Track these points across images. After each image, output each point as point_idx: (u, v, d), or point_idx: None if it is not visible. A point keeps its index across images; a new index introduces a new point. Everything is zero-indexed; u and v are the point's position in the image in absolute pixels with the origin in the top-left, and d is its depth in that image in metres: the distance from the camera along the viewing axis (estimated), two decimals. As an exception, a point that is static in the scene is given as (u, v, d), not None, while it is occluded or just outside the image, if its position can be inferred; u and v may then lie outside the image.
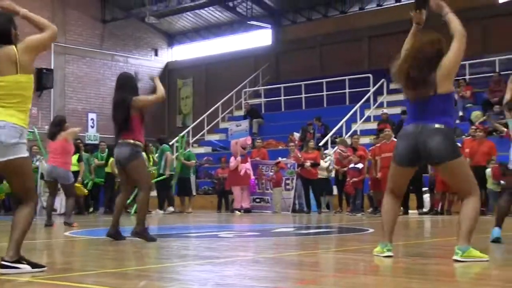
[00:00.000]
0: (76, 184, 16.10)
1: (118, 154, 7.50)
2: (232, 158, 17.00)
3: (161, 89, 7.76)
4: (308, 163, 16.02)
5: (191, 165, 17.74)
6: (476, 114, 17.88)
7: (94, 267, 5.32)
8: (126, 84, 7.68)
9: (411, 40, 5.52)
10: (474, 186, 5.30)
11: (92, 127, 26.67)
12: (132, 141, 7.39)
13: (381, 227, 5.48)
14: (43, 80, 24.94)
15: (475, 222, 5.22)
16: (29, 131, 21.14)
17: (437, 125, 5.18)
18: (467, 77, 20.24)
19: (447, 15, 5.38)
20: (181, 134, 19.85)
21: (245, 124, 18.65)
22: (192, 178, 17.66)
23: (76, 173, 16.07)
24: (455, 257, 5.09)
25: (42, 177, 15.70)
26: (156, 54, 30.07)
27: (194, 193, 17.80)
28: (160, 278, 4.42)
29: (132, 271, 4.88)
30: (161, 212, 16.72)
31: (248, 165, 16.59)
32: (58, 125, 11.07)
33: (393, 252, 5.35)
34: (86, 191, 16.19)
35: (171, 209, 16.97)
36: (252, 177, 16.52)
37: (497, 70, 19.22)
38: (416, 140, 5.23)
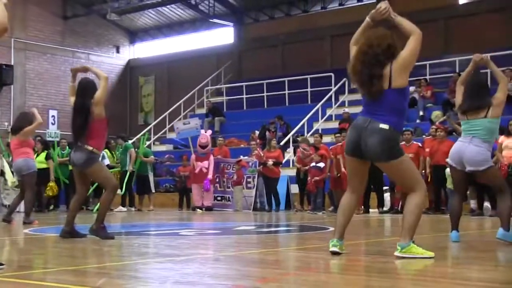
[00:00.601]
0: (50, 184, 15.99)
1: (74, 158, 7.48)
2: (192, 156, 16.97)
3: (100, 71, 7.80)
4: (270, 162, 16.05)
5: (150, 162, 17.63)
6: (436, 114, 18.11)
7: (54, 264, 5.27)
8: (87, 90, 7.62)
9: (360, 36, 5.58)
10: (418, 183, 5.37)
11: (53, 124, 26.34)
12: (90, 147, 7.35)
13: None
14: (3, 76, 24.50)
15: (417, 218, 5.31)
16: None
17: (382, 125, 5.24)
18: (428, 77, 20.49)
19: (396, 18, 5.45)
20: (144, 132, 19.78)
21: (194, 121, 18.23)
22: (151, 175, 17.54)
23: (45, 171, 15.94)
24: (395, 253, 5.20)
25: (1, 174, 15.50)
26: (117, 51, 29.84)
27: (153, 190, 17.68)
28: (120, 276, 4.39)
29: (91, 269, 4.84)
30: (125, 209, 16.63)
31: (205, 163, 16.50)
32: (22, 121, 11.02)
33: (340, 248, 5.35)
34: (56, 190, 16.06)
35: (131, 208, 16.85)
36: (209, 175, 16.42)
37: (457, 70, 19.49)
38: (360, 133, 5.32)
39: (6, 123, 24.39)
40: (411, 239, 5.23)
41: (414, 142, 14.57)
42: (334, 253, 5.30)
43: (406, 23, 5.44)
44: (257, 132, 19.97)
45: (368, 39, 5.40)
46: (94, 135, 7.42)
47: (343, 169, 14.17)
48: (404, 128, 11.74)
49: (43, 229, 9.46)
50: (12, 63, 25.18)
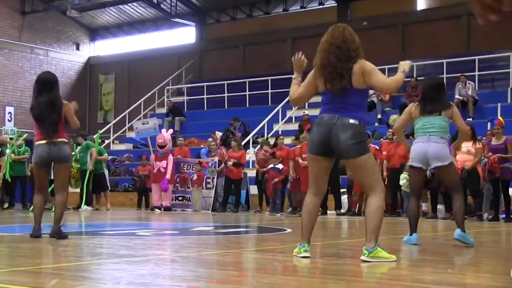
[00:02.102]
0: None
1: (58, 153, 7.30)
2: (151, 156, 16.86)
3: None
4: (230, 162, 16.01)
5: (105, 159, 17.44)
6: (394, 118, 18.29)
7: (5, 265, 5.15)
8: (56, 84, 7.53)
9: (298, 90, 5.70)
10: (379, 183, 5.37)
11: (10, 120, 25.89)
12: (66, 141, 7.32)
13: (301, 227, 5.47)
14: (-42, 71, 24.10)
15: (380, 221, 5.30)
16: None
17: (351, 120, 5.25)
18: (386, 81, 20.67)
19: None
20: (103, 130, 19.59)
21: (152, 121, 18.07)
22: (106, 172, 17.36)
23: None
24: (362, 257, 5.18)
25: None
26: (77, 49, 29.52)
27: (108, 187, 17.48)
28: (72, 277, 4.31)
29: (44, 269, 4.75)
30: (90, 208, 16.45)
31: (163, 163, 16.41)
32: None
33: (310, 253, 5.35)
34: None
35: (88, 207, 16.66)
36: (167, 175, 16.32)
37: (414, 75, 19.74)
38: (330, 129, 5.27)
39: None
40: (377, 242, 5.24)
41: (371, 145, 14.65)
42: (304, 258, 5.26)
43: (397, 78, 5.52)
44: (217, 133, 19.92)
45: (342, 34, 5.39)
46: (64, 130, 7.40)
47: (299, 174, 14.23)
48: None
49: (-3, 228, 9.28)
50: (-32, 58, 24.74)
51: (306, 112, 19.68)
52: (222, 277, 4.41)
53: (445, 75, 19.43)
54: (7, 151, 16.49)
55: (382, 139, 16.57)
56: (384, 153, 14.63)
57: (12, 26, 26.71)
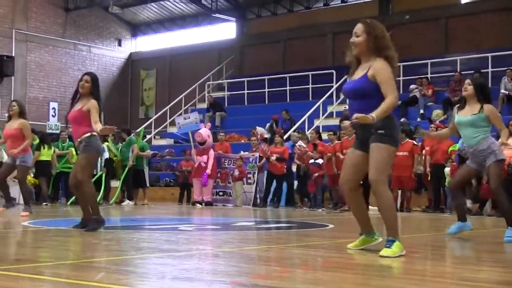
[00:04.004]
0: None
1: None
2: (192, 151, 16.97)
3: None
4: (273, 157, 16.01)
5: (147, 156, 17.63)
6: (437, 113, 18.12)
7: (51, 258, 5.26)
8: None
9: None
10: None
11: (53, 116, 26.34)
12: None
13: (393, 223, 5.48)
14: (3, 68, 24.59)
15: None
16: (-12, 119, 20.85)
17: None
18: (429, 75, 20.47)
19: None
20: (144, 125, 19.80)
21: (194, 116, 18.10)
22: (146, 169, 17.54)
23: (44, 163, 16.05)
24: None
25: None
26: (119, 45, 29.81)
27: (147, 184, 17.67)
28: (118, 271, 4.38)
29: (90, 263, 4.83)
30: (132, 203, 16.70)
31: (204, 158, 16.51)
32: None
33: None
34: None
35: (130, 202, 16.86)
36: (208, 170, 16.42)
37: (458, 69, 19.49)
38: None
39: (6, 114, 24.36)
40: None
41: (409, 140, 14.48)
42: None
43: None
44: (258, 128, 19.95)
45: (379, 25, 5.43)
46: None
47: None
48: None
49: (42, 222, 9.46)
50: (13, 55, 25.20)
51: (347, 107, 19.53)
52: (265, 273, 4.43)
53: (490, 69, 19.15)
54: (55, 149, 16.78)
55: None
56: (427, 148, 14.49)
57: (56, 23, 27.11)
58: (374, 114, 5.14)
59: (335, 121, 20.43)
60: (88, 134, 7.67)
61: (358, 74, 5.46)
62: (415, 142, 14.57)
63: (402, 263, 4.99)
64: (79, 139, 7.70)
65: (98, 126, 7.54)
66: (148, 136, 23.55)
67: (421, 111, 19.22)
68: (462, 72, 18.92)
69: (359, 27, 5.42)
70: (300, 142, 15.96)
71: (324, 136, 16.90)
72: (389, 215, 5.38)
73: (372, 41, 5.36)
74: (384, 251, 5.22)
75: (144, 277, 4.17)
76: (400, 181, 14.22)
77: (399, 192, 14.61)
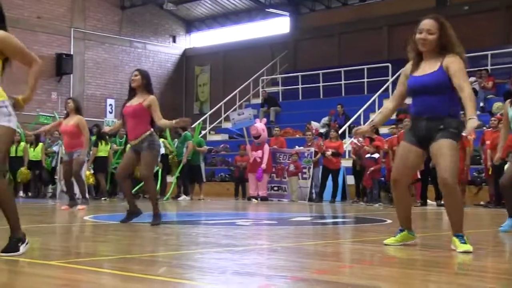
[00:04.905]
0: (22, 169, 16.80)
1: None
2: (247, 146, 17.06)
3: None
4: (329, 152, 15.97)
5: (203, 151, 17.80)
6: (498, 106, 17.75)
7: (115, 252, 5.38)
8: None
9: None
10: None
11: (110, 112, 26.81)
12: None
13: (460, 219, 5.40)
14: (62, 66, 25.14)
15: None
16: (49, 116, 21.58)
17: None
18: (489, 67, 20.08)
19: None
20: (199, 121, 19.98)
21: (248, 112, 18.16)
22: (202, 165, 17.70)
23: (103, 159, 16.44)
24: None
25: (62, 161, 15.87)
26: (174, 41, 30.12)
27: (204, 180, 17.84)
28: (179, 265, 4.45)
29: (150, 257, 4.91)
30: (188, 198, 16.87)
31: (259, 153, 16.57)
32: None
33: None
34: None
35: (187, 197, 17.06)
36: (263, 165, 16.47)
37: (522, 60, 19.08)
38: None
39: (65, 112, 24.89)
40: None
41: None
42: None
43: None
44: (313, 123, 19.91)
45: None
46: None
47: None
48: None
49: (102, 217, 9.66)
50: (72, 53, 25.73)
51: (405, 101, 19.29)
52: (325, 268, 4.44)
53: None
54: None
55: (485, 128, 16.11)
56: (488, 142, 14.23)
57: (112, 21, 27.57)
58: (473, 116, 5.09)
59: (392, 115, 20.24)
60: (149, 133, 7.84)
61: (428, 69, 5.36)
62: (464, 134, 14.28)
63: (462, 259, 4.93)
64: (140, 138, 7.85)
65: (164, 122, 7.73)
66: (203, 132, 23.74)
67: (481, 104, 18.87)
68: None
69: (432, 24, 5.31)
70: (356, 137, 15.84)
71: (382, 130, 16.77)
72: (460, 211, 5.30)
73: (444, 38, 5.30)
74: (462, 247, 5.13)
75: (205, 271, 4.22)
76: (459, 175, 13.93)
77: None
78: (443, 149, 5.22)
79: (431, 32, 5.31)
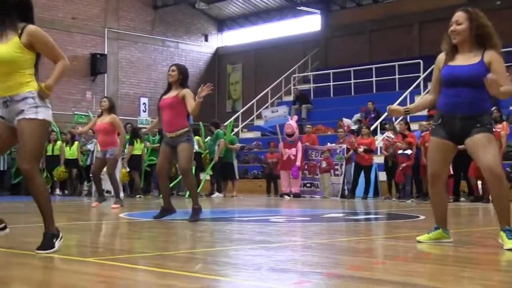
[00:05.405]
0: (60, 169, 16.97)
1: None
2: (280, 144, 17.05)
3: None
4: (361, 149, 15.89)
5: (236, 149, 17.83)
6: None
7: (148, 249, 5.41)
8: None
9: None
10: None
11: (144, 111, 27.00)
12: None
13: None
14: (97, 65, 25.38)
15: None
16: (84, 115, 21.82)
17: None
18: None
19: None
20: (231, 119, 20.05)
21: (282, 109, 18.15)
22: (235, 162, 17.74)
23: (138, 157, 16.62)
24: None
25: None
26: (206, 40, 30.19)
27: (236, 177, 17.88)
28: (214, 262, 4.46)
29: (185, 254, 4.93)
30: (221, 195, 16.95)
31: (292, 151, 16.55)
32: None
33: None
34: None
35: (220, 194, 17.11)
36: (297, 162, 16.44)
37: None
38: None
39: (99, 110, 25.13)
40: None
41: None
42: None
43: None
44: (344, 120, 19.83)
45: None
46: None
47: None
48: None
49: (136, 214, 9.73)
50: (106, 53, 25.96)
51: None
52: (359, 264, 4.41)
53: None
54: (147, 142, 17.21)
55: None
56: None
57: (145, 20, 27.74)
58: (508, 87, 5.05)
59: (422, 112, 20.04)
60: (188, 129, 7.96)
61: (466, 61, 5.24)
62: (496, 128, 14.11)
63: (499, 256, 4.86)
64: (178, 132, 7.91)
65: (192, 107, 7.85)
66: (235, 129, 23.79)
67: (514, 100, 18.61)
68: None
69: (460, 15, 5.25)
70: (387, 133, 15.76)
71: (413, 126, 16.64)
72: (507, 202, 5.20)
73: (475, 29, 5.21)
74: (509, 243, 5.01)
75: (240, 268, 4.22)
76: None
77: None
78: (483, 141, 5.12)
79: (459, 23, 5.24)
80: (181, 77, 8.08)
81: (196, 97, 7.78)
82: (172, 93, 8.06)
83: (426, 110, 19.18)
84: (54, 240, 4.67)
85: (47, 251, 4.58)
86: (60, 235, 4.74)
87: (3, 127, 4.76)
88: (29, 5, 4.80)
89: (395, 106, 5.78)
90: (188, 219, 7.76)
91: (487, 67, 5.15)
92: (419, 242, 5.50)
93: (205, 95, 7.81)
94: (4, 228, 5.09)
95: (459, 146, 5.39)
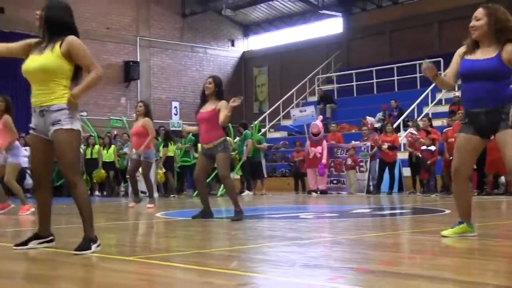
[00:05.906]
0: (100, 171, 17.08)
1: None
2: (307, 142, 17.02)
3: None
4: (385, 146, 15.79)
5: (263, 149, 17.83)
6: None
7: (185, 247, 5.41)
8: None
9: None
10: None
11: (175, 114, 27.12)
12: None
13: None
14: (130, 72, 25.57)
15: None
16: (118, 120, 21.97)
17: None
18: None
19: None
20: (258, 120, 20.05)
21: (310, 109, 18.12)
22: (263, 161, 17.74)
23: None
24: None
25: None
26: (232, 45, 30.22)
27: (265, 175, 17.88)
28: (249, 259, 4.45)
29: (221, 252, 4.93)
30: (251, 193, 16.99)
31: (318, 149, 16.49)
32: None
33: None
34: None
35: (249, 193, 17.13)
36: (323, 160, 16.39)
37: None
38: None
39: (134, 115, 25.30)
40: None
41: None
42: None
43: None
44: (368, 118, 19.72)
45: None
46: None
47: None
48: None
49: (172, 213, 9.76)
50: (138, 60, 26.13)
51: (457, 94, 18.93)
52: (390, 259, 4.37)
53: None
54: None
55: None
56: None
57: (174, 28, 27.86)
58: None
59: (444, 108, 19.89)
60: (223, 138, 8.04)
61: (484, 55, 5.17)
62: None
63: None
64: (215, 143, 7.94)
65: (223, 119, 7.86)
66: (263, 130, 23.79)
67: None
68: None
69: (479, 11, 5.19)
70: (411, 130, 15.64)
71: (435, 123, 16.49)
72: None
73: (494, 23, 5.13)
74: None
75: (275, 264, 4.20)
76: (496, 165, 13.24)
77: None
78: (507, 138, 5.06)
79: (478, 18, 5.19)
80: (217, 89, 8.08)
81: (227, 111, 7.79)
82: (209, 107, 8.05)
83: (448, 106, 19.07)
84: (91, 244, 4.69)
85: (84, 252, 4.60)
86: (98, 241, 4.76)
87: (40, 144, 4.82)
88: (74, 28, 4.88)
89: (431, 65, 5.53)
90: (231, 218, 7.82)
91: (505, 63, 5.08)
92: (443, 236, 5.42)
93: (235, 106, 7.81)
94: (51, 240, 5.11)
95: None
